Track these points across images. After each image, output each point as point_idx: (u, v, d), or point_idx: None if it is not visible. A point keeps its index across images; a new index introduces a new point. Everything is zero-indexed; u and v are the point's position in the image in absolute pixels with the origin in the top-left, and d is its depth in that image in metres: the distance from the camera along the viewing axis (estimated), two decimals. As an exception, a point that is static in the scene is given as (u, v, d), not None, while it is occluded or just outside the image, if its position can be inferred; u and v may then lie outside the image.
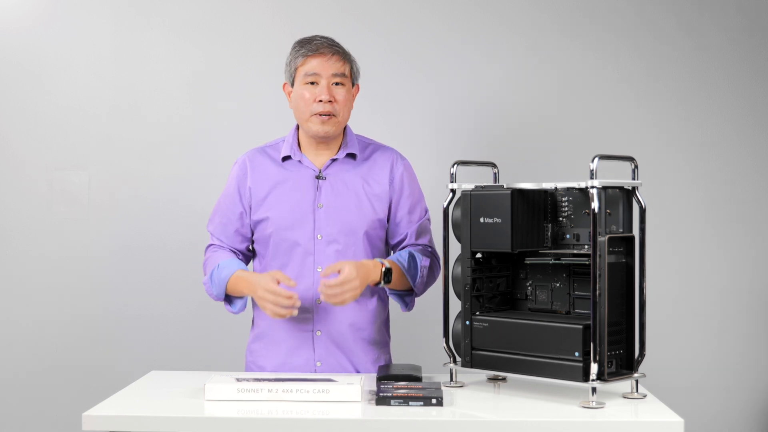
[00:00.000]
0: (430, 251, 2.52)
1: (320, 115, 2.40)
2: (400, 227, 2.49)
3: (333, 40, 2.47)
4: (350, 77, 2.46)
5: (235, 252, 2.52)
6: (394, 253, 2.53)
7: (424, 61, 3.50)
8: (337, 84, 2.42)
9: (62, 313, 3.50)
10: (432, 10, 3.50)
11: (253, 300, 2.55)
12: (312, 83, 2.41)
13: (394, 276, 2.38)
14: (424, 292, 2.51)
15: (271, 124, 3.28)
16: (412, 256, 2.44)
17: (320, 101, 2.39)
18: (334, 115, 2.41)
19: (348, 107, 2.45)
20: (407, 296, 2.47)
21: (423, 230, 2.53)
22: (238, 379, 2.13)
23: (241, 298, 2.46)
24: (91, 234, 3.50)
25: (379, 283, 2.36)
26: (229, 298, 2.48)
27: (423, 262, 2.47)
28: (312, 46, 2.42)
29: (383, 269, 2.36)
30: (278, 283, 2.29)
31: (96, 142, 3.51)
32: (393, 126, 3.47)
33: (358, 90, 2.53)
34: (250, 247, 2.55)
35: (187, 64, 3.51)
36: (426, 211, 2.56)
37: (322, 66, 2.41)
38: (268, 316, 2.48)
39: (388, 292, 2.46)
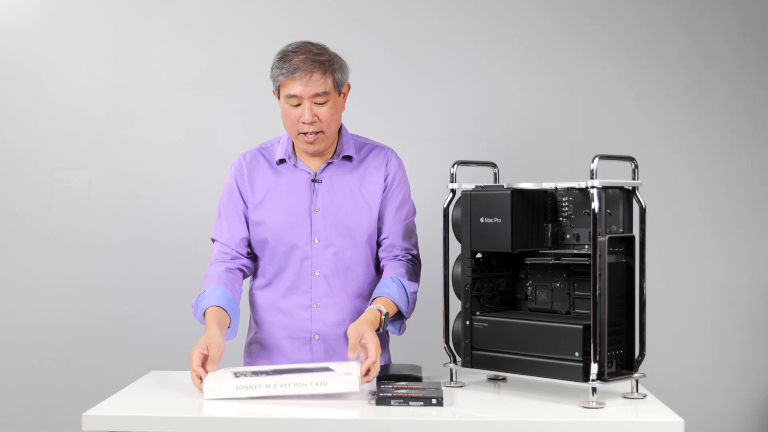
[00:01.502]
0: (410, 259, 2.49)
1: (306, 134, 2.37)
2: (384, 224, 2.46)
3: (310, 51, 2.36)
4: (334, 88, 2.37)
5: (235, 268, 2.47)
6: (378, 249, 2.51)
7: (424, 62, 3.50)
8: (320, 103, 2.35)
9: (62, 312, 3.50)
10: (432, 10, 3.50)
11: (250, 302, 2.55)
12: (296, 105, 2.35)
13: (390, 313, 2.35)
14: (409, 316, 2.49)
15: (271, 123, 3.27)
16: (399, 284, 2.39)
17: (305, 123, 2.35)
18: (320, 132, 2.37)
19: (335, 119, 2.39)
20: (398, 321, 2.44)
21: (409, 232, 2.50)
22: (236, 375, 2.12)
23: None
24: (91, 234, 3.51)
25: (379, 329, 2.30)
26: None
27: (411, 288, 2.42)
28: (290, 66, 2.33)
29: (382, 317, 2.30)
30: (205, 357, 2.19)
31: (96, 142, 3.51)
32: (393, 126, 3.47)
33: (350, 88, 2.46)
34: (250, 251, 2.53)
35: (187, 64, 3.51)
36: (414, 212, 2.54)
37: (301, 89, 2.32)
38: (266, 320, 2.48)
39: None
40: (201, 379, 2.14)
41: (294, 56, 2.34)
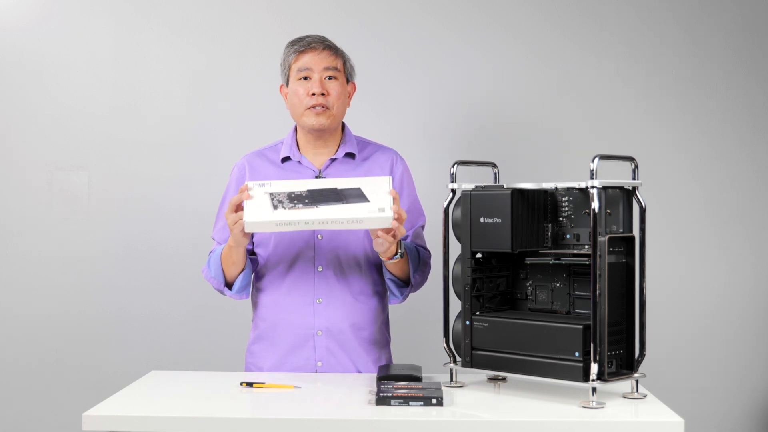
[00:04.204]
0: (423, 248, 2.54)
1: (314, 107, 2.41)
2: None
3: (324, 37, 2.49)
4: (343, 72, 2.47)
5: None
6: None
7: (424, 62, 3.50)
8: (330, 78, 2.43)
9: (62, 313, 3.50)
10: (432, 11, 3.50)
11: (252, 300, 2.55)
12: (305, 78, 2.43)
13: (402, 259, 2.38)
14: (417, 288, 2.51)
15: (271, 124, 3.28)
16: (416, 249, 2.47)
17: (313, 94, 2.40)
18: (327, 108, 2.42)
19: (342, 102, 2.46)
20: (403, 287, 2.47)
21: (417, 235, 2.54)
22: (273, 204, 2.15)
23: (238, 276, 2.43)
24: (91, 234, 3.50)
25: (396, 253, 2.33)
26: (229, 284, 2.46)
27: (424, 257, 2.49)
28: (303, 42, 2.45)
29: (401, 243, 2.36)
30: (236, 209, 2.22)
31: (96, 142, 3.51)
32: (393, 126, 3.47)
33: (355, 88, 2.53)
34: (253, 250, 2.53)
35: (186, 64, 3.51)
36: (424, 217, 2.56)
37: (313, 60, 2.43)
38: (268, 317, 2.49)
39: (387, 278, 2.45)
40: (237, 210, 2.20)
41: (307, 36, 2.48)
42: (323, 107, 2.41)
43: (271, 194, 2.18)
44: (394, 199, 2.18)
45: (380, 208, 2.15)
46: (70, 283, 3.51)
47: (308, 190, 2.20)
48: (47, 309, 3.51)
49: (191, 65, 3.51)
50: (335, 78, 2.44)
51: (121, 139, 3.50)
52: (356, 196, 2.18)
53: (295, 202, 2.16)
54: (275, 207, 2.15)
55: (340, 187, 2.22)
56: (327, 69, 2.43)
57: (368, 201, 2.17)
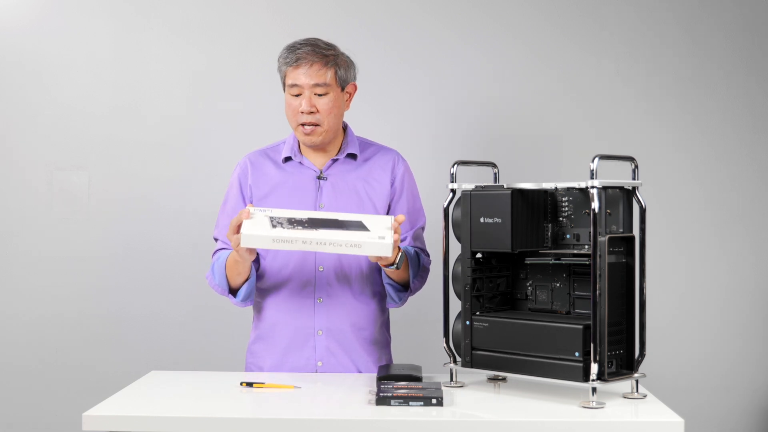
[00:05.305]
0: (423, 250, 2.53)
1: (304, 125, 2.40)
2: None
3: (317, 45, 2.42)
4: (335, 83, 2.41)
5: None
6: None
7: (424, 62, 3.50)
8: (319, 94, 2.40)
9: (62, 313, 3.50)
10: (432, 11, 3.50)
11: (254, 299, 2.55)
12: (296, 95, 2.40)
13: (403, 264, 2.37)
14: (415, 292, 2.51)
15: (272, 123, 3.28)
16: (416, 254, 2.46)
17: (302, 113, 2.39)
18: (318, 125, 2.40)
19: (335, 114, 2.42)
20: (402, 291, 2.47)
21: (417, 237, 2.54)
22: (273, 224, 2.12)
23: (243, 285, 2.42)
24: (91, 234, 3.50)
25: (393, 263, 2.31)
26: (233, 291, 2.46)
27: (424, 263, 2.48)
28: (293, 56, 2.40)
29: (400, 252, 2.33)
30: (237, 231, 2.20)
31: (96, 142, 3.51)
32: (393, 126, 3.47)
33: (356, 88, 2.51)
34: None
35: (187, 64, 3.51)
36: (424, 218, 2.56)
37: (302, 78, 2.38)
38: (269, 317, 2.48)
39: (386, 282, 2.45)
40: (237, 231, 2.16)
41: (299, 47, 2.41)
42: (313, 125, 2.40)
43: (271, 218, 2.18)
44: (395, 230, 2.18)
45: (380, 236, 2.13)
46: (70, 283, 3.51)
47: (309, 218, 2.20)
48: (47, 309, 3.51)
49: (191, 65, 3.51)
50: (325, 93, 2.40)
51: (121, 139, 3.50)
52: (356, 226, 2.18)
53: (295, 225, 2.16)
54: (274, 226, 2.14)
55: (341, 219, 2.22)
56: (316, 86, 2.38)
57: (368, 231, 2.16)
